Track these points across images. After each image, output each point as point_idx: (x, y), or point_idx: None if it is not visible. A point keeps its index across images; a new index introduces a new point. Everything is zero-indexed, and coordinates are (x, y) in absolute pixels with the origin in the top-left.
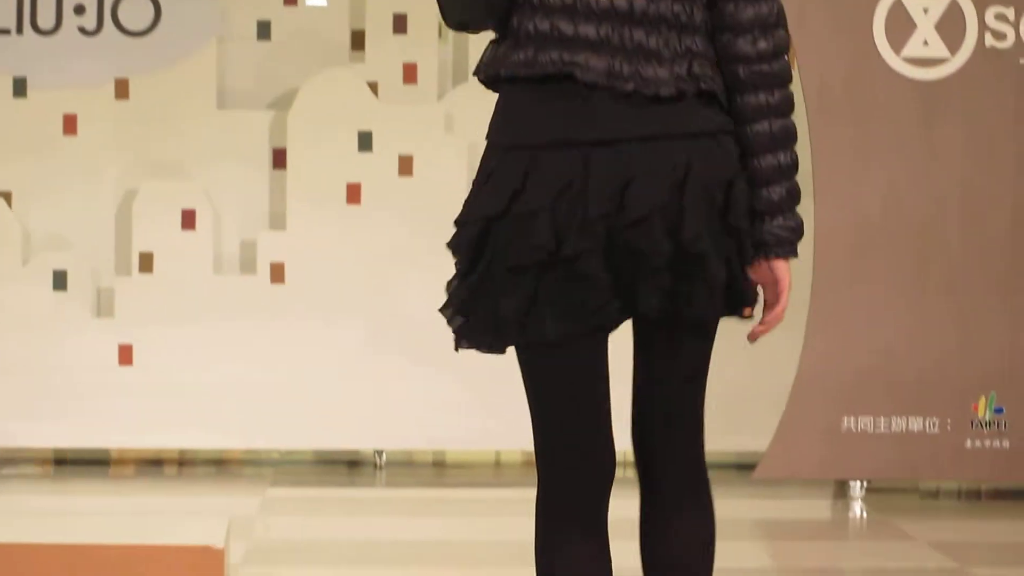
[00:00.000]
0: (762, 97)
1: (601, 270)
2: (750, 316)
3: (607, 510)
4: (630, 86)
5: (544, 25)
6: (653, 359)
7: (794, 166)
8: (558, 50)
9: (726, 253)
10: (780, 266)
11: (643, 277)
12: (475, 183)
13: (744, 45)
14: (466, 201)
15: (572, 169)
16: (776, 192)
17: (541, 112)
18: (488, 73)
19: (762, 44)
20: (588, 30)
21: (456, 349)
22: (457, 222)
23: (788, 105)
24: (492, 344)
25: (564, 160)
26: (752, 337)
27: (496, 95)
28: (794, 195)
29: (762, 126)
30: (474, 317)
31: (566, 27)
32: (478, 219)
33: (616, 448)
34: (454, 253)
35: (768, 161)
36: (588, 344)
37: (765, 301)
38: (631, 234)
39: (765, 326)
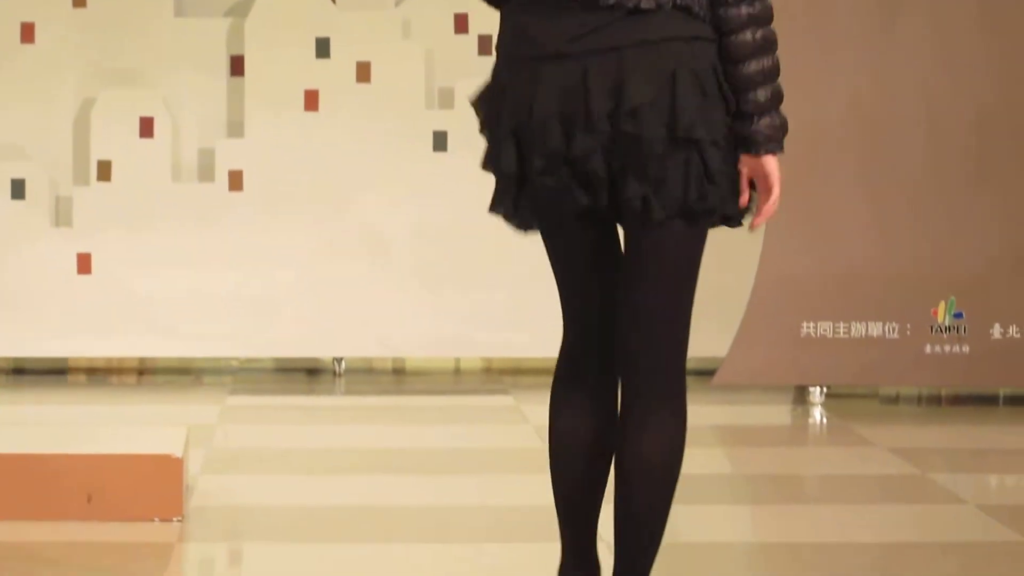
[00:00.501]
0: (744, 9)
1: (601, 166)
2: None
3: (604, 374)
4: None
5: None
6: (632, 258)
7: (776, 69)
8: None
9: (713, 136)
10: (770, 161)
11: (638, 164)
12: (489, 91)
13: None
14: (485, 110)
15: (572, 77)
16: (763, 94)
17: (543, 27)
18: None
19: None
20: None
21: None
22: (487, 133)
23: (768, 14)
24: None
25: (564, 70)
26: (752, 226)
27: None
28: (778, 96)
29: (745, 35)
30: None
31: None
32: (508, 133)
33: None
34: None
35: (753, 67)
36: (578, 228)
37: (759, 194)
38: (629, 124)
39: (762, 216)
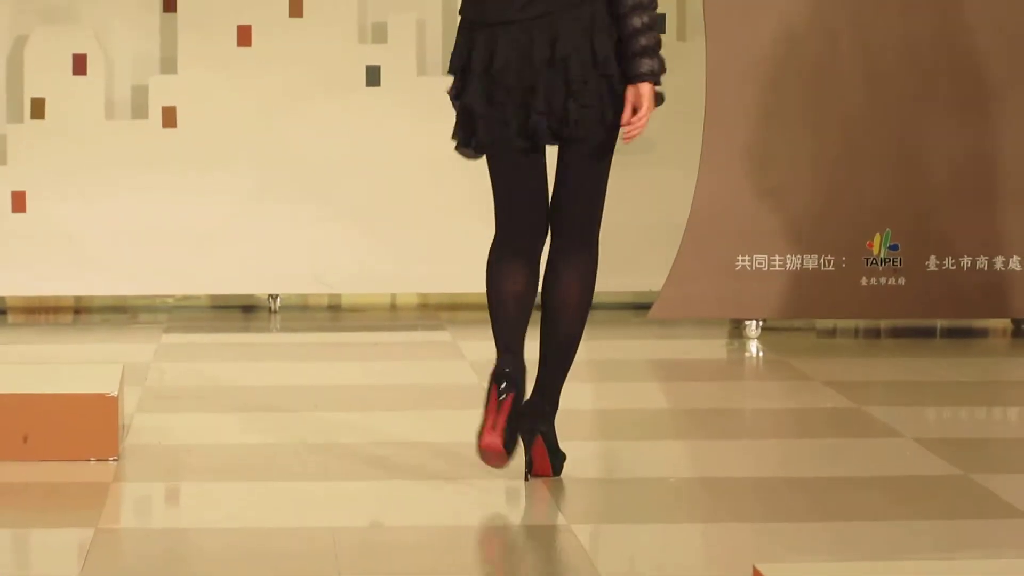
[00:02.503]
0: None
1: (542, 99)
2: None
3: (534, 241)
4: None
5: None
6: (568, 159)
7: (655, 22)
8: None
9: (616, 72)
10: (646, 87)
11: (572, 95)
12: (461, 47)
13: None
14: (457, 67)
15: (521, 36)
16: (644, 40)
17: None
18: None
19: None
20: None
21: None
22: (456, 75)
23: None
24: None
25: (515, 30)
26: (627, 138)
27: None
28: (658, 43)
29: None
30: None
31: None
32: (477, 76)
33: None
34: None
35: (635, 21)
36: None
37: (635, 112)
38: (562, 67)
39: (637, 129)
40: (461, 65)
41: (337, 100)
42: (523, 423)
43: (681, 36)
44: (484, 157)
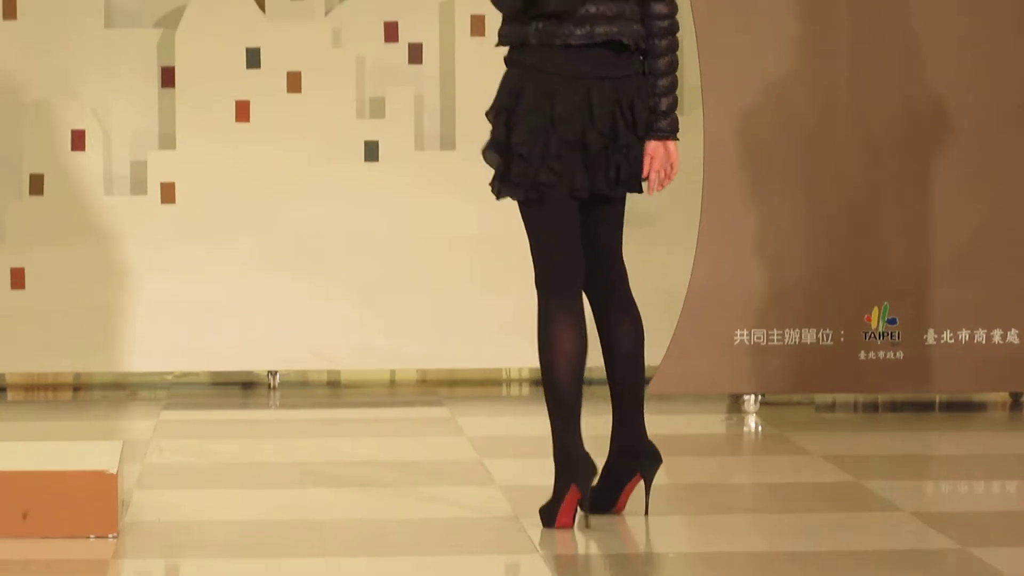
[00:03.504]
0: (665, 42)
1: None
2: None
3: (581, 290)
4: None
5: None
6: (608, 215)
7: (675, 84)
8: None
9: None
10: (671, 144)
11: (625, 151)
12: (510, 94)
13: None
14: (504, 111)
15: (579, 93)
16: (666, 102)
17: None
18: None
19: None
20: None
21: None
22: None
23: (676, 44)
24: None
25: (575, 87)
26: (660, 188)
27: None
28: (675, 103)
29: (662, 62)
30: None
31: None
32: (535, 122)
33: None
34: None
35: (663, 83)
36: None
37: (660, 170)
38: (620, 123)
39: (661, 185)
40: (509, 109)
41: (335, 175)
42: (620, 469)
43: (679, 109)
44: (521, 206)
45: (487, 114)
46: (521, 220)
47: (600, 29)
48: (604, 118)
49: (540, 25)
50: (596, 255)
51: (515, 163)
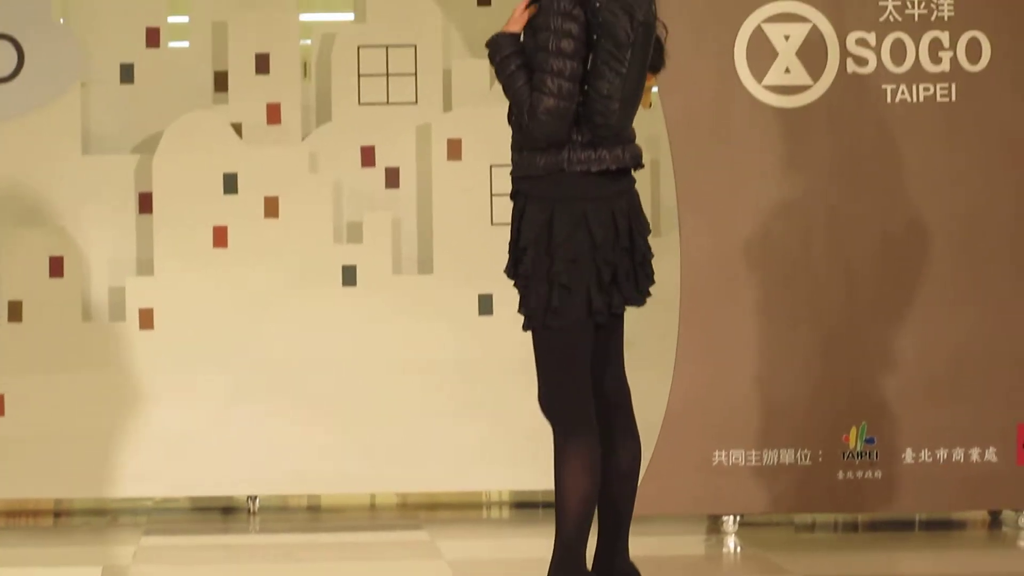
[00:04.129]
0: None
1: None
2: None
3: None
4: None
5: None
6: (617, 331)
7: None
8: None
9: None
10: None
11: (643, 267)
12: (565, 231)
13: None
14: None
15: (605, 211)
16: None
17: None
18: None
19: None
20: None
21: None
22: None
23: None
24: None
25: (600, 207)
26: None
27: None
28: None
29: None
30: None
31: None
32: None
33: None
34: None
35: None
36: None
37: None
38: (637, 239)
39: None
40: (542, 241)
41: (313, 300)
42: None
43: (656, 232)
44: (543, 334)
45: (514, 251)
46: (533, 345)
47: (628, 153)
48: (625, 234)
49: (577, 152)
50: (604, 373)
51: (557, 293)
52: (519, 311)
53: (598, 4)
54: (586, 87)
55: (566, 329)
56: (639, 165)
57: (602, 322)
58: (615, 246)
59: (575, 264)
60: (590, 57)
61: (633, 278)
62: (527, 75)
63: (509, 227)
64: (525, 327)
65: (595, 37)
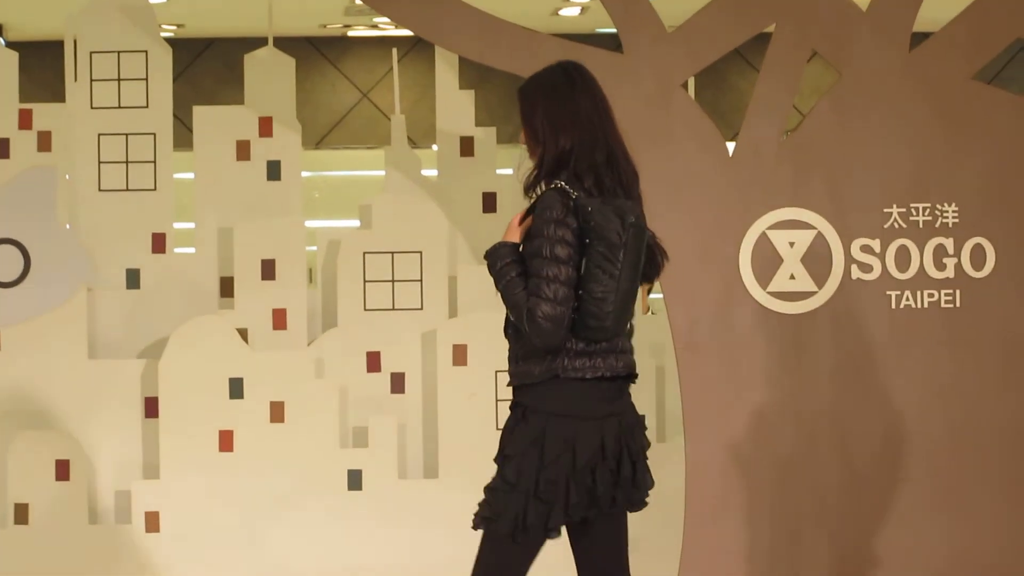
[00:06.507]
0: None
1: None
2: None
3: None
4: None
5: None
6: (620, 525)
7: None
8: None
9: None
10: None
11: (618, 483)
12: (554, 445)
13: None
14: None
15: (595, 433)
16: None
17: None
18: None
19: None
20: None
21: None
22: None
23: None
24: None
25: (589, 426)
26: None
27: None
28: None
29: None
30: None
31: None
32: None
33: None
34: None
35: None
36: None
37: None
38: (634, 447)
39: None
40: (530, 456)
41: (319, 504)
42: None
43: (661, 437)
44: (499, 541)
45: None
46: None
47: (621, 363)
48: (613, 457)
49: (572, 360)
50: (612, 569)
51: (535, 510)
52: (478, 504)
53: (590, 209)
54: (580, 291)
55: (526, 543)
56: (633, 375)
57: (554, 537)
58: (600, 467)
59: (555, 485)
60: (583, 262)
61: (610, 496)
62: (526, 283)
63: None
64: (479, 527)
65: (587, 241)
